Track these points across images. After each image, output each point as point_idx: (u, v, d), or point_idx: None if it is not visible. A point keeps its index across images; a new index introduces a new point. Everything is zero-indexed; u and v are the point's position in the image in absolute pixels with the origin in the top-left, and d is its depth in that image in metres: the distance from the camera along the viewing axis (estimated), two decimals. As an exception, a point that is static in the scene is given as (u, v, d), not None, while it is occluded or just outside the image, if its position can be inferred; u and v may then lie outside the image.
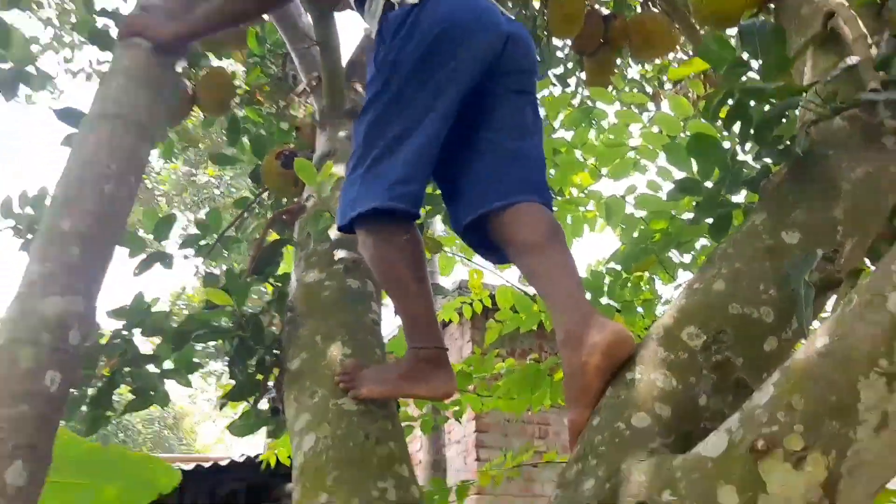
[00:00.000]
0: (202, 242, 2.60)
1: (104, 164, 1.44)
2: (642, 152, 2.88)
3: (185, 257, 2.73)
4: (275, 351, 1.87)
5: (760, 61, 1.21)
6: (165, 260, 2.36)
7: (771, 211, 1.27)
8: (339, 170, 2.02)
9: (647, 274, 2.95)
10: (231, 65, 3.80)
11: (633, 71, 4.38)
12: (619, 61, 4.32)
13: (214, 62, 3.19)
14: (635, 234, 2.74)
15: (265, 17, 3.26)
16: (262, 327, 1.88)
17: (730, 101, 1.24)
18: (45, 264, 1.34)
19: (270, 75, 3.18)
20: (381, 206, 1.54)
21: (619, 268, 2.86)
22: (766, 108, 1.26)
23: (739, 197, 1.67)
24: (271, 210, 2.86)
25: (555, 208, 3.01)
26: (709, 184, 1.44)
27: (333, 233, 2.00)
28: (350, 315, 1.82)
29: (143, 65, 1.61)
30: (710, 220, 1.59)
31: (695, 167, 1.47)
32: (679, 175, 2.11)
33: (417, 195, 1.60)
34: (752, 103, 1.24)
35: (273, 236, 2.45)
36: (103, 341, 2.04)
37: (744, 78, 1.25)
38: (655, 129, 2.82)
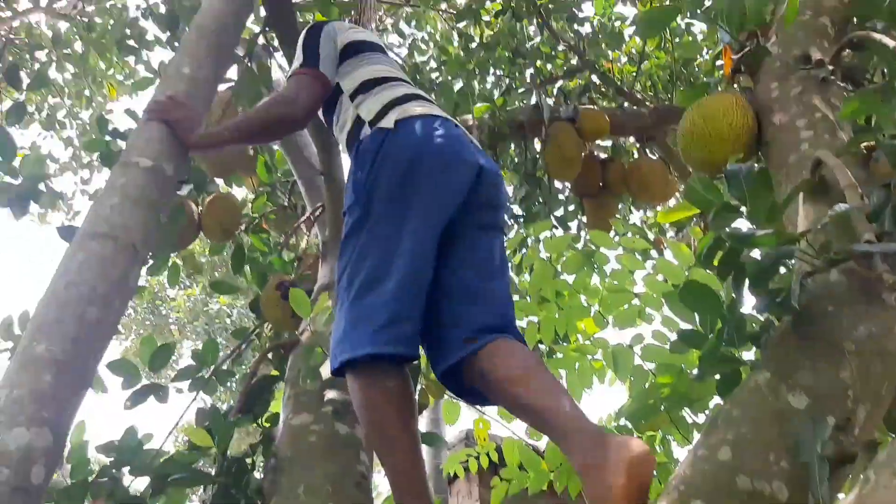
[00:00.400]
0: (198, 375, 2.52)
1: (89, 286, 1.41)
2: (646, 300, 2.85)
3: (179, 391, 2.64)
4: (257, 502, 1.74)
5: (748, 207, 1.19)
6: (160, 392, 2.28)
7: (775, 370, 1.20)
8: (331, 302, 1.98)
9: (660, 434, 2.82)
10: (239, 191, 3.89)
11: (636, 217, 4.46)
12: (620, 206, 4.42)
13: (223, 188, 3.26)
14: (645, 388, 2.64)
15: (275, 145, 3.38)
16: (246, 472, 1.77)
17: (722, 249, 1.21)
18: (14, 391, 1.27)
19: (277, 204, 3.24)
20: (370, 353, 1.46)
21: (629, 425, 2.74)
22: (759, 255, 1.22)
23: (750, 353, 1.61)
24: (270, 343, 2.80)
25: (559, 355, 2.96)
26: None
27: (325, 370, 1.93)
28: (336, 465, 1.71)
29: (140, 184, 1.60)
30: (718, 377, 1.52)
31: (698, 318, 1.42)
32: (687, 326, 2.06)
33: (409, 335, 1.52)
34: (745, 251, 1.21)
35: (271, 372, 2.38)
36: (91, 477, 1.92)
37: (734, 224, 1.23)
38: (659, 277, 2.80)
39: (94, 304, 1.39)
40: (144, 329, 12.74)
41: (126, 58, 4.63)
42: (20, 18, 5.44)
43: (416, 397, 1.66)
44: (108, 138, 2.69)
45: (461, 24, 5.33)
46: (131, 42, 4.24)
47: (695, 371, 2.50)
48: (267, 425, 2.10)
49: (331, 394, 1.85)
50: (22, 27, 5.42)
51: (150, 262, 2.83)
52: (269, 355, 2.35)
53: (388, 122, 1.67)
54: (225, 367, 2.58)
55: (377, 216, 1.59)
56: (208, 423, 1.80)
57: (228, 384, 2.70)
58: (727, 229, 1.19)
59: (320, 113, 1.98)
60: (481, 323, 1.56)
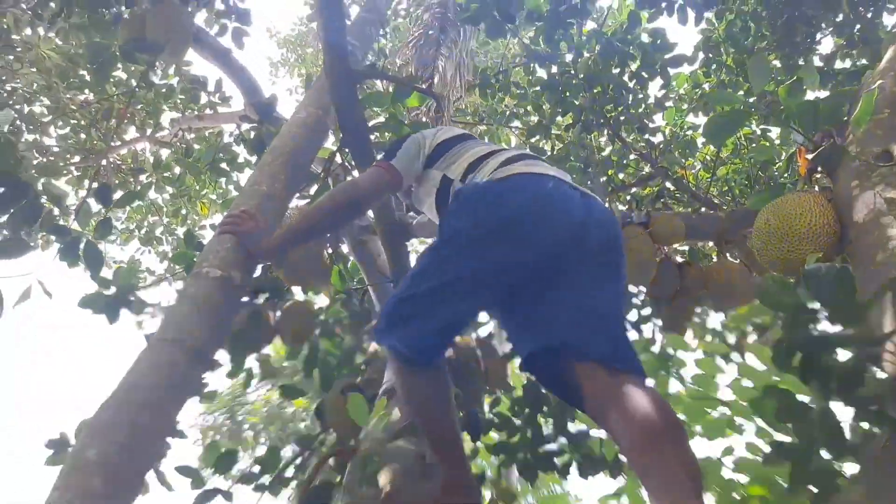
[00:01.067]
0: (260, 481, 2.52)
1: (148, 390, 1.43)
2: (735, 409, 2.66)
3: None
4: None
5: (828, 308, 1.09)
6: (224, 496, 2.30)
7: (873, 485, 1.06)
8: (391, 410, 1.94)
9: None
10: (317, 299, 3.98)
11: (714, 321, 4.25)
12: (698, 310, 4.23)
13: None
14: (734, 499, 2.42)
15: (350, 256, 3.47)
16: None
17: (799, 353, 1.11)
18: (65, 494, 1.28)
19: (351, 310, 3.28)
20: (405, 352, 1.72)
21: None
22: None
23: (852, 465, 1.45)
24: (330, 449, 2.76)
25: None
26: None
27: (382, 478, 1.87)
28: (390, 575, 1.61)
29: (208, 293, 1.66)
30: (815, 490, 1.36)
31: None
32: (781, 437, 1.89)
33: (438, 352, 1.80)
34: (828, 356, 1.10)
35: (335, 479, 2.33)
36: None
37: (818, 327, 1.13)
38: (747, 384, 2.63)
39: (148, 409, 1.41)
40: (221, 434, 12.90)
41: (218, 179, 4.99)
42: (127, 147, 6.01)
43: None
44: (193, 251, 2.85)
45: (533, 139, 5.47)
46: (223, 165, 4.58)
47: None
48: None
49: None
50: (129, 154, 5.98)
51: (230, 366, 2.89)
52: (331, 461, 2.30)
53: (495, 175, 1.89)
54: (289, 475, 2.56)
55: (451, 253, 1.78)
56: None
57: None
58: (802, 332, 1.10)
59: (430, 210, 2.14)
60: (600, 338, 1.63)
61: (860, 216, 1.67)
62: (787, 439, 1.46)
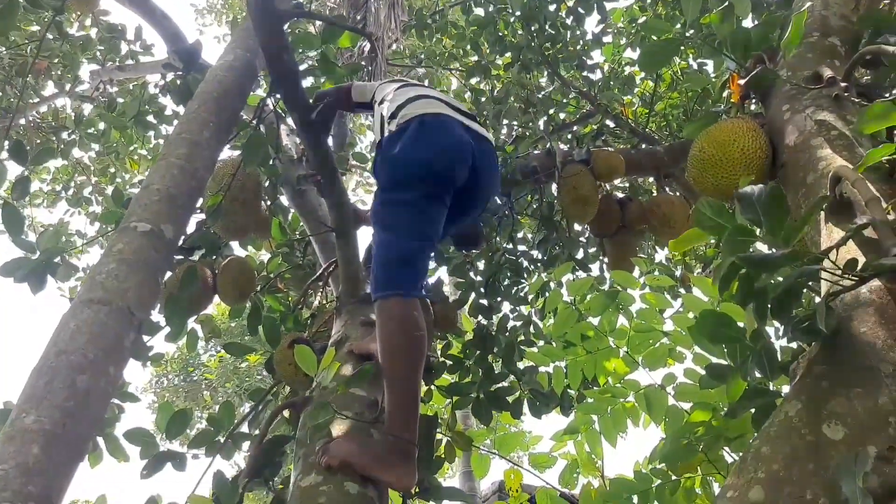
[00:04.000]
0: (215, 440, 2.46)
1: (80, 353, 1.37)
2: (676, 339, 2.73)
3: (195, 457, 2.58)
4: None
5: (763, 229, 1.10)
6: (177, 460, 2.23)
7: (806, 400, 1.10)
8: (340, 359, 1.91)
9: (700, 475, 2.66)
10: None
11: (660, 255, 4.35)
12: (644, 245, 4.31)
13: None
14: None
15: (291, 207, 3.39)
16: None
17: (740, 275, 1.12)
18: (1, 465, 1.22)
19: (293, 263, 3.22)
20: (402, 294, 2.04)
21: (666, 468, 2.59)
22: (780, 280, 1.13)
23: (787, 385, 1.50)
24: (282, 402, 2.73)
25: (590, 400, 2.84)
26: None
27: (334, 428, 1.85)
28: (346, 527, 1.62)
29: (137, 248, 1.58)
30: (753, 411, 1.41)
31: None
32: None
33: (421, 280, 2.21)
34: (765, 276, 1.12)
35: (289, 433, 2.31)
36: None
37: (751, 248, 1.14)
38: (690, 315, 2.70)
39: (86, 371, 1.35)
40: (177, 395, 12.76)
41: (146, 133, 4.76)
42: (47, 103, 5.67)
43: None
44: (123, 210, 2.72)
45: (473, 81, 5.39)
46: (150, 118, 4.36)
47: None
48: (282, 487, 2.01)
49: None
50: (49, 111, 5.64)
51: (166, 329, 2.81)
52: (285, 414, 2.28)
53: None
54: (244, 430, 2.52)
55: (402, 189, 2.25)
56: (214, 491, 1.72)
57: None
58: (742, 254, 1.10)
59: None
60: None
61: (791, 139, 1.69)
62: (723, 362, 1.50)
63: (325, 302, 3.12)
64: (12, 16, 2.28)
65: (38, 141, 5.28)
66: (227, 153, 2.72)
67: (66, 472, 1.31)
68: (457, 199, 2.34)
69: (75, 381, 1.34)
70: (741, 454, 1.19)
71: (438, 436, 2.77)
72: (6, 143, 2.62)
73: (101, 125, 5.00)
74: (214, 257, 2.83)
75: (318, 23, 4.85)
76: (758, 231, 1.18)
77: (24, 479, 1.20)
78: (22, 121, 5.53)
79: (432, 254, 2.38)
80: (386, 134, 2.40)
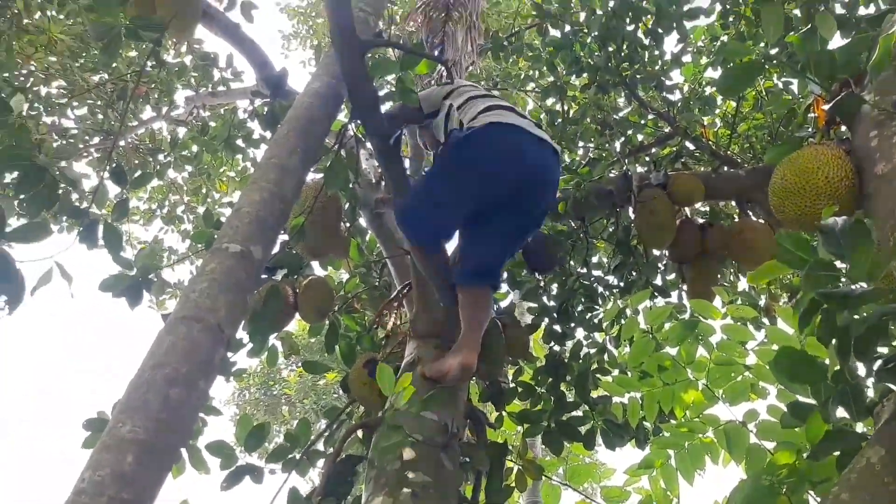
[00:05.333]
0: (290, 456, 2.53)
1: (174, 367, 1.45)
2: (759, 373, 2.63)
3: (272, 472, 2.67)
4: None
5: (846, 263, 1.07)
6: (254, 473, 2.32)
7: (889, 446, 1.05)
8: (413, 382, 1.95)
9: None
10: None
11: (744, 283, 4.20)
12: (726, 272, 4.18)
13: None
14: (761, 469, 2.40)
15: (368, 229, 3.48)
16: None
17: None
18: (97, 472, 1.31)
19: (369, 284, 3.30)
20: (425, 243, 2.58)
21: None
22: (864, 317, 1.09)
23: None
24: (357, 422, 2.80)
25: (666, 433, 2.76)
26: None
27: (406, 452, 1.89)
28: (415, 548, 1.64)
29: (228, 268, 1.67)
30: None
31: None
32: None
33: (442, 238, 2.66)
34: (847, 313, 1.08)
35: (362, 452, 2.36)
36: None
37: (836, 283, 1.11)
38: (774, 348, 2.59)
39: (178, 384, 1.43)
40: (258, 409, 13.16)
41: (234, 156, 5.00)
42: (144, 126, 6.04)
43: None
44: (213, 230, 2.87)
45: (549, 102, 5.40)
46: (239, 141, 4.59)
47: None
48: (353, 506, 2.06)
49: (411, 475, 1.79)
50: (146, 133, 6.01)
51: (249, 345, 2.93)
52: (359, 433, 2.33)
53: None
54: (319, 447, 2.59)
55: (446, 177, 2.61)
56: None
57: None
58: (820, 290, 1.07)
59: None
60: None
61: (879, 167, 1.63)
62: (807, 401, 1.45)
63: (399, 323, 3.19)
64: (115, 49, 2.46)
65: (136, 162, 5.63)
66: (309, 176, 2.83)
67: (156, 480, 1.38)
68: (513, 206, 2.55)
69: (169, 394, 1.42)
70: (819, 501, 1.15)
71: (509, 463, 2.76)
72: (107, 164, 2.81)
73: (194, 148, 5.29)
74: (296, 277, 2.94)
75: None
76: (841, 265, 1.15)
77: (118, 486, 1.28)
78: (122, 142, 5.92)
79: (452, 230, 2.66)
80: (451, 133, 2.68)
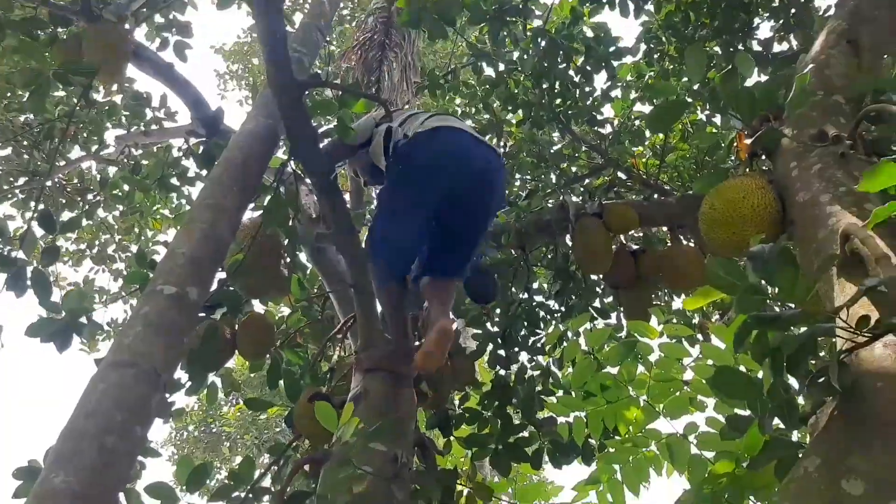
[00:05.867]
0: (234, 494, 2.46)
1: (107, 416, 1.40)
2: (696, 387, 2.73)
3: (217, 512, 2.57)
4: None
5: (775, 287, 1.13)
6: (197, 515, 2.24)
7: (824, 455, 1.11)
8: (359, 414, 1.93)
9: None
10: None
11: (678, 302, 4.34)
12: (661, 295, 4.32)
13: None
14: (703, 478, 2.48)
15: (308, 263, 3.46)
16: None
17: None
18: (30, 526, 1.25)
19: (311, 318, 3.26)
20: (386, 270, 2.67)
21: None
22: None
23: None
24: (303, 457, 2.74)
25: (611, 449, 2.82)
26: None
27: (356, 485, 1.86)
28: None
29: (163, 311, 1.63)
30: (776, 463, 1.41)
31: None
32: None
33: (403, 269, 2.74)
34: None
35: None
36: None
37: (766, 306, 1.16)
38: (710, 363, 2.69)
39: (113, 432, 1.38)
40: (198, 448, 12.69)
41: (168, 195, 4.89)
42: (72, 166, 5.85)
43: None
44: (147, 270, 2.79)
45: (486, 137, 5.51)
46: (173, 180, 4.49)
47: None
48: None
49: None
50: (74, 173, 5.82)
51: (187, 384, 2.85)
52: (306, 468, 2.28)
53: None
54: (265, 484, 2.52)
55: (395, 194, 2.74)
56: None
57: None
58: (754, 313, 1.13)
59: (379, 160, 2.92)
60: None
61: (800, 196, 1.73)
62: (744, 413, 1.51)
63: (343, 356, 3.15)
64: (44, 94, 2.40)
65: (64, 202, 5.44)
66: (248, 213, 2.80)
67: (94, 533, 1.33)
68: (462, 207, 2.66)
69: (103, 442, 1.37)
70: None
71: (459, 487, 2.75)
72: (34, 206, 2.71)
73: (126, 187, 5.15)
74: (236, 314, 2.88)
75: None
76: (769, 289, 1.21)
77: (53, 540, 1.23)
78: (48, 182, 5.71)
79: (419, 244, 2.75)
80: (397, 146, 2.74)
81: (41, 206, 2.62)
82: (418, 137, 2.62)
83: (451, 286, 2.77)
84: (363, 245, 2.77)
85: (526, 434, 3.21)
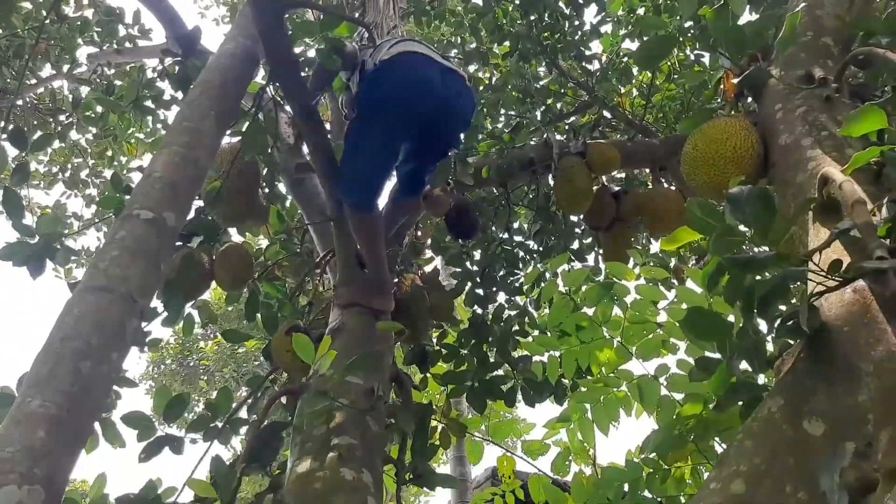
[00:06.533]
0: (212, 425, 2.49)
1: (84, 340, 1.39)
2: (670, 330, 2.78)
3: (193, 441, 2.62)
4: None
5: (752, 229, 1.14)
6: (174, 444, 2.27)
7: (788, 396, 1.14)
8: (337, 348, 1.95)
9: (690, 465, 2.72)
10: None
11: (656, 247, 4.39)
12: (640, 237, 4.35)
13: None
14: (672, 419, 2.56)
15: (288, 195, 3.41)
16: (252, 521, 1.72)
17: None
18: (6, 448, 1.25)
19: (291, 250, 3.24)
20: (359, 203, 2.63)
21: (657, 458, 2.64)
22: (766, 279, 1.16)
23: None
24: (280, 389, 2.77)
25: (583, 389, 2.89)
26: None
27: (332, 417, 1.89)
28: (342, 512, 1.66)
29: (140, 236, 1.60)
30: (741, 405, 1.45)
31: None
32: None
33: (375, 195, 2.70)
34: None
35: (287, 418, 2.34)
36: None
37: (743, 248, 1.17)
38: (683, 307, 2.74)
39: (90, 357, 1.37)
40: (175, 380, 12.81)
41: (144, 118, 4.76)
42: (44, 85, 5.65)
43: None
44: (122, 195, 2.73)
45: (471, 69, 5.40)
46: (148, 103, 4.36)
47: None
48: (279, 472, 2.05)
49: (336, 439, 1.80)
50: (46, 93, 5.62)
51: (164, 314, 2.84)
52: (283, 401, 2.31)
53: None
54: (242, 416, 2.55)
55: (366, 123, 2.69)
56: (212, 475, 1.76)
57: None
58: (728, 255, 1.14)
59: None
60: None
61: (783, 139, 1.72)
62: (714, 356, 1.54)
63: (322, 290, 3.16)
64: (10, 4, 2.28)
65: (36, 123, 5.27)
66: (226, 140, 2.74)
67: (70, 455, 1.33)
68: (429, 131, 2.72)
69: (79, 367, 1.37)
70: (725, 447, 1.23)
71: (433, 422, 2.82)
72: (4, 125, 2.63)
73: (99, 108, 4.99)
74: (213, 244, 2.85)
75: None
76: (746, 231, 1.22)
77: (31, 461, 1.23)
78: (19, 102, 5.52)
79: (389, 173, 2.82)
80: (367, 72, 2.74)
81: (12, 126, 2.53)
82: (383, 66, 2.63)
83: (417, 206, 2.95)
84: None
85: (501, 372, 3.27)
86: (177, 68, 3.56)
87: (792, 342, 1.30)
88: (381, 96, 2.62)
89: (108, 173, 6.14)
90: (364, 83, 2.70)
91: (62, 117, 5.09)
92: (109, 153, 5.91)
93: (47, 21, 4.21)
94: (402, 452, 2.29)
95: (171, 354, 12.99)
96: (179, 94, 3.80)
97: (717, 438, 2.50)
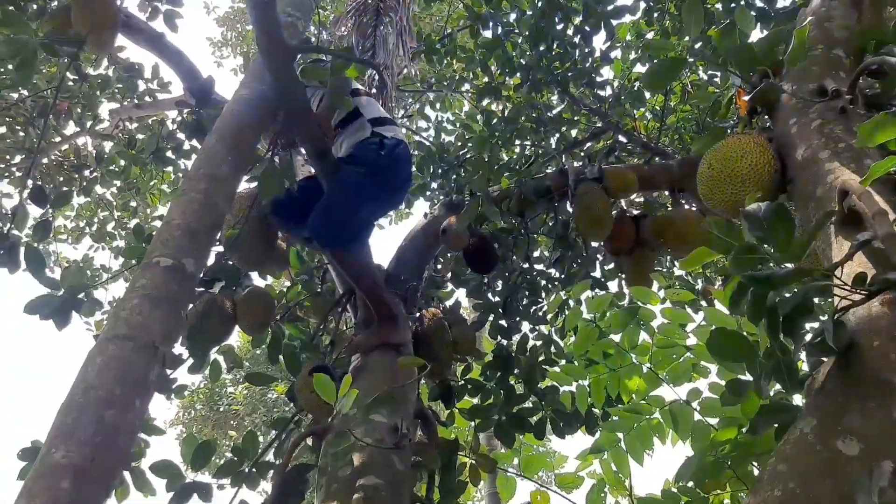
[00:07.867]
0: (240, 469, 2.48)
1: (107, 389, 1.40)
2: (699, 353, 2.72)
3: (221, 487, 2.61)
4: None
5: (771, 246, 1.11)
6: (202, 491, 2.27)
7: (820, 416, 1.10)
8: (360, 386, 1.93)
9: (729, 491, 2.63)
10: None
11: (681, 269, 4.32)
12: (663, 260, 4.30)
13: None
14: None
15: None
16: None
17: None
18: (32, 500, 1.25)
19: (311, 290, 3.25)
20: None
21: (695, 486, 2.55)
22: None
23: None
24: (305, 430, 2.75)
25: (615, 418, 2.82)
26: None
27: (357, 457, 1.87)
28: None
29: (160, 283, 1.62)
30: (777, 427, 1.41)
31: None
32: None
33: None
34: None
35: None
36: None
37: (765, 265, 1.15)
38: (713, 328, 2.68)
39: (113, 405, 1.38)
40: (205, 426, 12.81)
41: (164, 168, 4.85)
42: (68, 142, 5.81)
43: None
44: (144, 245, 2.78)
45: (484, 102, 5.44)
46: (168, 153, 4.45)
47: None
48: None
49: (362, 479, 1.77)
50: (70, 149, 5.77)
51: (190, 361, 2.85)
52: (308, 442, 2.30)
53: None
54: (269, 459, 2.54)
55: (357, 190, 2.82)
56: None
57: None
58: (748, 272, 1.11)
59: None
60: None
61: (799, 153, 1.70)
62: (745, 378, 1.50)
63: (344, 328, 3.15)
64: (31, 66, 2.36)
65: (61, 179, 5.41)
66: (244, 185, 2.78)
67: (96, 505, 1.33)
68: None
69: (103, 416, 1.37)
70: (758, 473, 1.19)
71: (463, 459, 2.77)
72: (29, 183, 2.69)
73: (122, 162, 5.11)
74: (234, 288, 2.87)
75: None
76: (766, 248, 1.19)
77: (55, 514, 1.23)
78: (45, 160, 5.67)
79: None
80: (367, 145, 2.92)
81: (36, 183, 2.59)
82: (399, 155, 2.86)
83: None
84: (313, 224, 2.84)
85: (529, 404, 3.22)
86: (192, 119, 3.64)
87: (824, 359, 1.26)
88: (391, 185, 2.87)
89: (133, 224, 6.26)
90: (375, 157, 2.80)
91: (87, 172, 5.22)
92: (133, 205, 6.03)
93: (69, 81, 4.34)
94: (431, 491, 2.26)
95: (202, 399, 13.02)
96: (196, 143, 3.89)
97: (755, 463, 2.42)
